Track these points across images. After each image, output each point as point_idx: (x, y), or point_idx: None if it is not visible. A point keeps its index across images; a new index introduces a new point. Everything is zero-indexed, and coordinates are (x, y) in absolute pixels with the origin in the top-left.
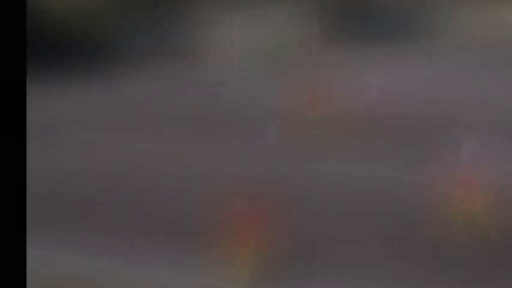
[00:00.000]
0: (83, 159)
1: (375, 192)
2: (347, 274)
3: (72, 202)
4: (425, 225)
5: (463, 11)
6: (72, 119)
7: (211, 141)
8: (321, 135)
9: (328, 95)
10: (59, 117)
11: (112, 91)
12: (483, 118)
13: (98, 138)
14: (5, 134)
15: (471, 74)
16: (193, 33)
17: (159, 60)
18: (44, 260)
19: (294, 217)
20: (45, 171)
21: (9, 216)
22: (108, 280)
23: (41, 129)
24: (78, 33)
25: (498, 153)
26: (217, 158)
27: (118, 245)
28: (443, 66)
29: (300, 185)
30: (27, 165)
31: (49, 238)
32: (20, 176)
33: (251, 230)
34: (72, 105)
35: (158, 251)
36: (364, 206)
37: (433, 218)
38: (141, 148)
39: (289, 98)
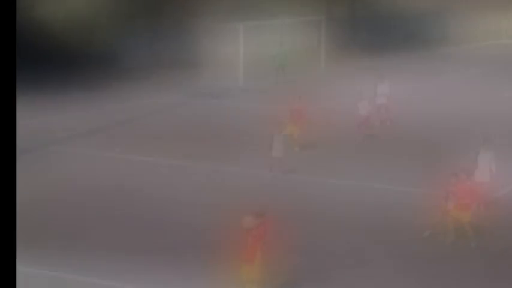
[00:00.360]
0: (81, 175)
1: (386, 207)
2: None
3: (65, 219)
4: (437, 242)
5: (477, 19)
6: (69, 132)
7: (216, 155)
8: (327, 148)
9: (334, 107)
10: (53, 131)
11: (113, 103)
12: (500, 129)
13: (96, 153)
14: None
15: (487, 82)
16: (197, 43)
17: (161, 71)
18: (33, 279)
19: (303, 233)
20: (36, 187)
21: None
22: None
23: (32, 143)
24: (77, 43)
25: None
26: (223, 171)
27: (119, 263)
28: (458, 75)
29: (308, 199)
30: (17, 182)
31: (38, 255)
32: (10, 193)
33: (257, 247)
34: (69, 118)
35: (161, 271)
36: (374, 221)
37: (446, 234)
38: (141, 162)
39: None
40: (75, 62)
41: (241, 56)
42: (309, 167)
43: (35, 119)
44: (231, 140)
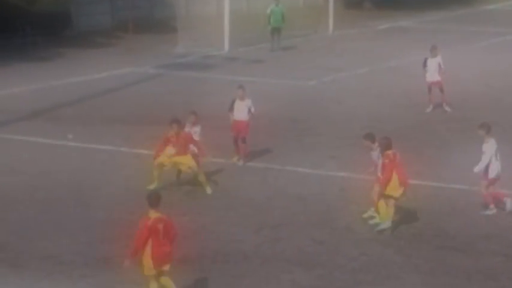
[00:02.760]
0: (24, 167)
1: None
2: None
3: None
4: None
5: None
6: (8, 115)
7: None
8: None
9: (346, 81)
10: None
11: (64, 78)
12: None
13: (43, 140)
14: None
15: None
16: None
17: (126, 36)
18: None
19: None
20: None
21: None
22: None
23: None
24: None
25: None
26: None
27: None
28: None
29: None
30: None
31: None
32: None
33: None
34: (7, 97)
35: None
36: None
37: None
38: (100, 152)
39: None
40: (14, 25)
41: (226, 15)
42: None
43: None
44: (214, 123)
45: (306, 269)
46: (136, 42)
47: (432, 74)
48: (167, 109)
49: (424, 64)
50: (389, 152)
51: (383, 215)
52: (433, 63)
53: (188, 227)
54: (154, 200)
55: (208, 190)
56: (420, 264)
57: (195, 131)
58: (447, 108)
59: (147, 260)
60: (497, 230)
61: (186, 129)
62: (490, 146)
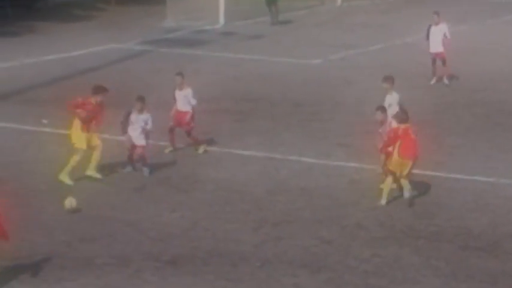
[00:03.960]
0: None
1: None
2: None
3: None
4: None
5: None
6: None
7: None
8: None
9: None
10: None
11: (35, 55)
12: None
13: (11, 126)
14: None
15: None
16: None
17: (107, 8)
18: None
19: None
20: None
21: None
22: None
23: None
24: None
25: None
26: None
27: None
28: None
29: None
30: None
31: None
32: None
33: None
34: None
35: None
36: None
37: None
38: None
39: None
40: None
41: None
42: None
43: None
44: (206, 106)
45: (311, 271)
46: (119, 14)
47: (435, 45)
48: (153, 90)
49: (428, 33)
50: (402, 126)
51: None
52: (436, 32)
53: (178, 224)
54: None
55: (67, 180)
56: (440, 266)
57: (142, 119)
58: (446, 81)
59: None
60: None
61: (132, 116)
62: (394, 98)
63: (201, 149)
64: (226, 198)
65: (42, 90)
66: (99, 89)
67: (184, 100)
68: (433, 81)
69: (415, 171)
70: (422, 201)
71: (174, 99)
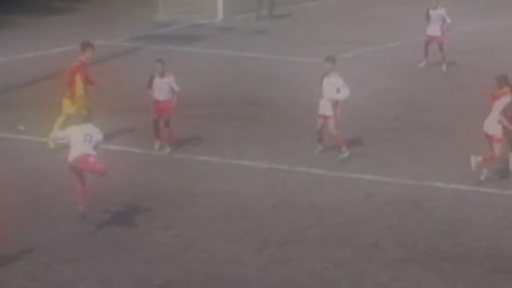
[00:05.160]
0: None
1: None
2: None
3: None
4: None
5: None
6: None
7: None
8: None
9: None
10: None
11: (13, 53)
12: None
13: None
14: None
15: None
16: None
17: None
18: None
19: None
20: None
21: None
22: None
23: None
24: None
25: None
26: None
27: None
28: None
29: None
30: None
31: None
32: None
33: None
34: None
35: None
36: None
37: None
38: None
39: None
40: None
41: None
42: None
43: None
44: (203, 110)
45: None
46: (105, 7)
47: (432, 28)
48: (143, 93)
49: (427, 16)
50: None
51: None
52: (434, 16)
53: (172, 244)
54: None
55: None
56: None
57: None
58: (444, 69)
59: None
60: None
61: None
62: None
63: (166, 149)
64: (226, 214)
65: (19, 93)
66: (87, 45)
67: (166, 88)
68: (421, 65)
69: (439, 184)
70: (448, 218)
71: (150, 88)
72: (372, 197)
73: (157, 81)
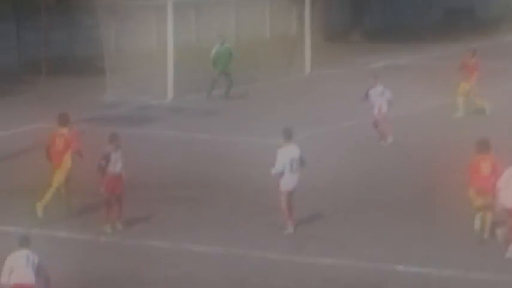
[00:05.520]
0: None
1: None
2: None
3: None
4: None
5: None
6: None
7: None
8: None
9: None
10: None
11: None
12: None
13: None
14: None
15: None
16: (98, 31)
17: (37, 80)
18: None
19: None
20: None
21: None
22: None
23: None
24: None
25: None
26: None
27: None
28: None
29: None
30: None
31: None
32: None
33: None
34: None
35: None
36: None
37: None
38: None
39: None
40: None
41: (170, 52)
42: None
43: None
44: (158, 194)
45: None
46: (51, 88)
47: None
48: (90, 178)
49: (366, 95)
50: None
51: None
52: (375, 95)
53: None
54: None
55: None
56: None
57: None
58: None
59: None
60: None
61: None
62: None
63: (118, 226)
64: None
65: None
66: (64, 118)
67: (121, 161)
68: (390, 141)
69: (399, 267)
70: None
71: (106, 164)
72: (329, 282)
73: (114, 156)
